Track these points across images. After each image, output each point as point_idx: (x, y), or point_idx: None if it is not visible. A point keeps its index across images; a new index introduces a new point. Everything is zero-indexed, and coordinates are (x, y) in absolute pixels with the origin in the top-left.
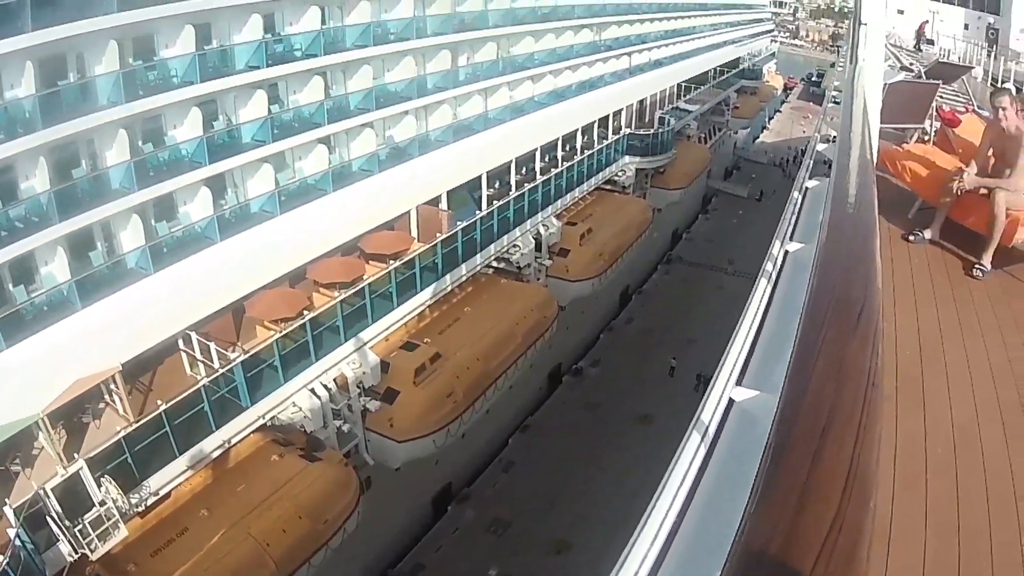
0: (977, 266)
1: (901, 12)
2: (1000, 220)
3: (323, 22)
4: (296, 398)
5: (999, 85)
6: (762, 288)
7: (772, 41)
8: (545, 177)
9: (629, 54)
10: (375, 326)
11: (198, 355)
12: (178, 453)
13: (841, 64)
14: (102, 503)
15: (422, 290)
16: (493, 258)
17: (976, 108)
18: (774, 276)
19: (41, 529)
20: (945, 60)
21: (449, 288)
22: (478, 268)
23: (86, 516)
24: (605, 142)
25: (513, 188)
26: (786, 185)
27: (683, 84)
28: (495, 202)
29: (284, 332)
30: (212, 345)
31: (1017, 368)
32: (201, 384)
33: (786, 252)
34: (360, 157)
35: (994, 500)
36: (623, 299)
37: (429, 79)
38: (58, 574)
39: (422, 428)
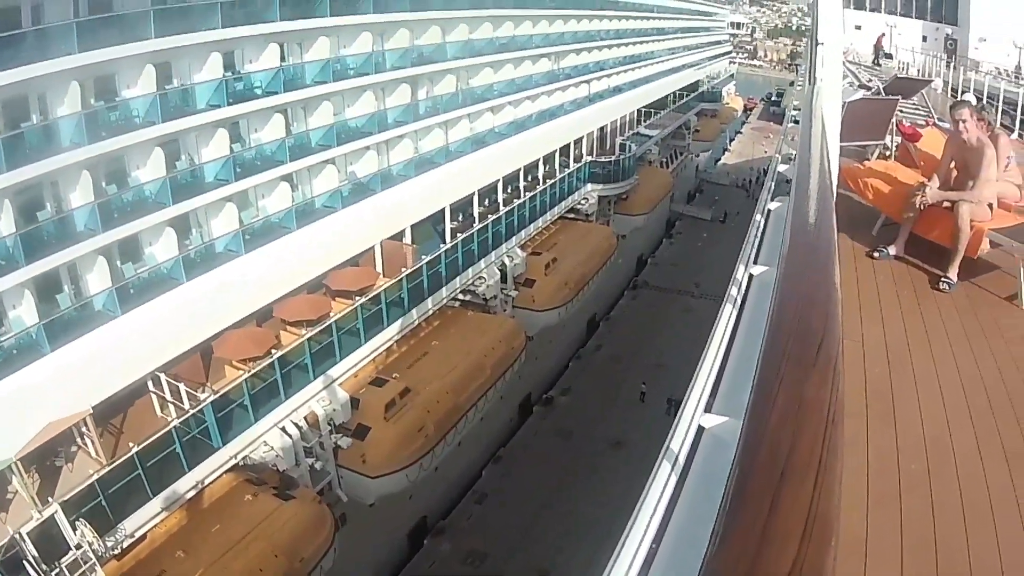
0: (943, 279)
1: (859, 27)
2: (964, 232)
3: (282, 59)
4: (267, 437)
5: (959, 96)
6: (727, 313)
7: (731, 62)
8: (508, 208)
9: (588, 82)
10: (344, 363)
11: (168, 396)
12: (152, 495)
13: (800, 83)
14: (78, 546)
15: (389, 325)
16: (459, 291)
17: (936, 121)
18: (739, 300)
19: (19, 573)
20: (904, 75)
21: (416, 322)
22: (444, 301)
23: (63, 560)
24: (567, 171)
25: (477, 220)
26: (749, 206)
27: (643, 109)
28: (459, 235)
29: (253, 371)
30: (182, 386)
31: (987, 375)
32: (172, 425)
33: (750, 276)
34: (323, 194)
35: (970, 510)
36: (591, 326)
37: (389, 113)
38: None
39: (394, 463)
